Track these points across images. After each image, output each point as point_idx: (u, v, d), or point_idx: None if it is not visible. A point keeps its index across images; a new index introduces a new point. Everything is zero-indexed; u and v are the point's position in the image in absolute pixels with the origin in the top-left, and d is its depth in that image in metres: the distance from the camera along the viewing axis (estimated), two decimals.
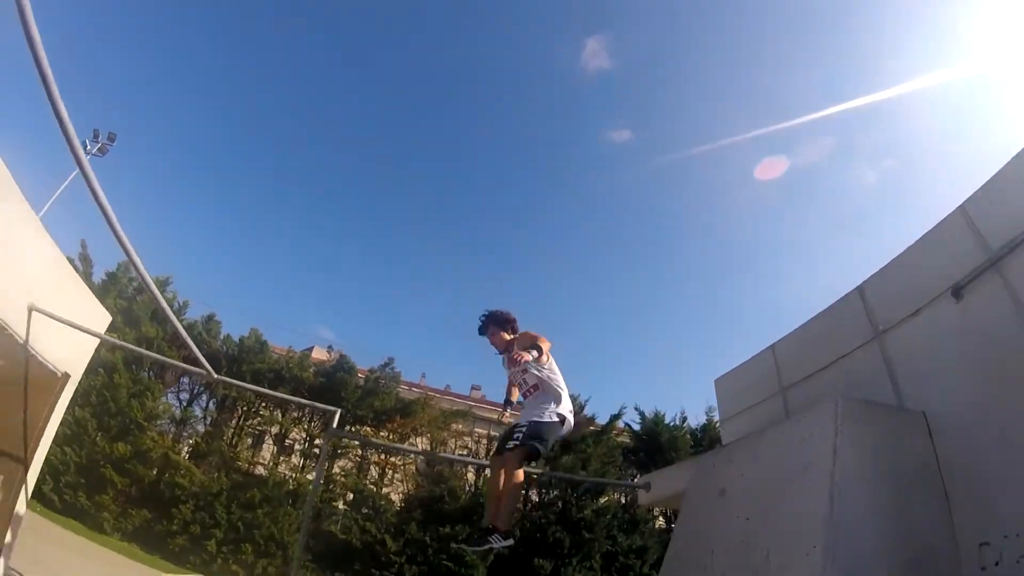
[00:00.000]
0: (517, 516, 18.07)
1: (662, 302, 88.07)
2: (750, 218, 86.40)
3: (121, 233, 3.72)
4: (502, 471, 4.71)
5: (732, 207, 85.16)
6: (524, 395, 5.15)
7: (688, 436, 22.63)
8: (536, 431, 4.69)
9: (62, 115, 2.69)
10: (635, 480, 17.05)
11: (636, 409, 23.19)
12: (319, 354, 25.50)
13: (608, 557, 18.87)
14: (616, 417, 22.62)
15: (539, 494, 21.11)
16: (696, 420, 23.66)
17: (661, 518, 21.80)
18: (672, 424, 22.89)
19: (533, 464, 6.21)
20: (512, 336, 5.16)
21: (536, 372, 4.91)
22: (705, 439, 21.92)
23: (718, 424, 12.96)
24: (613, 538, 19.08)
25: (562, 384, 4.97)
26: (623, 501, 20.92)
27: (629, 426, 23.43)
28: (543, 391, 4.95)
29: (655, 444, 22.02)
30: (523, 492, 4.70)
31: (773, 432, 4.80)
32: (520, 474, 4.77)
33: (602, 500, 20.59)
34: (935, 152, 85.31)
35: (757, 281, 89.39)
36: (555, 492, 20.76)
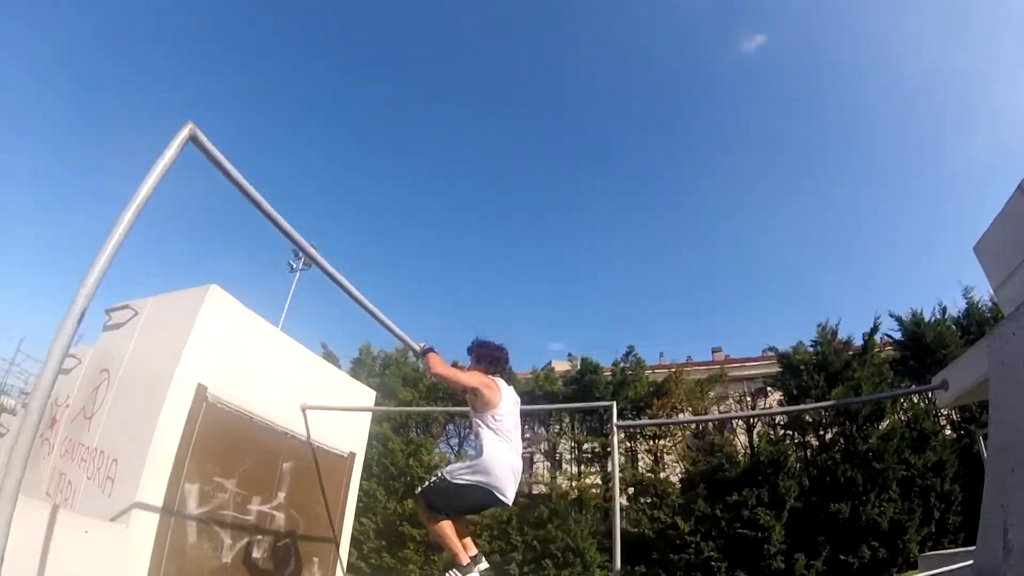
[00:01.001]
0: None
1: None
2: None
3: (386, 319, 4.37)
4: (422, 516, 4.22)
5: None
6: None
7: (954, 328, 19.89)
8: (440, 487, 4.03)
9: (320, 261, 3.26)
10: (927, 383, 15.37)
11: (891, 316, 20.77)
12: (560, 366, 26.21)
13: (904, 483, 17.04)
14: (872, 332, 20.41)
15: (817, 437, 19.88)
16: (955, 308, 20.70)
17: (948, 427, 19.35)
18: (934, 320, 20.18)
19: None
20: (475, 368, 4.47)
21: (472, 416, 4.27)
22: (971, 325, 19.14)
23: (991, 298, 11.06)
24: (905, 461, 17.19)
25: (490, 443, 4.07)
26: (904, 420, 18.89)
27: (889, 337, 21.01)
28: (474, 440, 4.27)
29: (922, 347, 19.50)
30: (451, 531, 3.83)
31: None
32: (435, 521, 4.04)
33: (883, 425, 18.71)
34: None
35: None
36: (834, 430, 19.37)
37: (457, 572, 4.00)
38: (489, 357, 4.45)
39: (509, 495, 4.05)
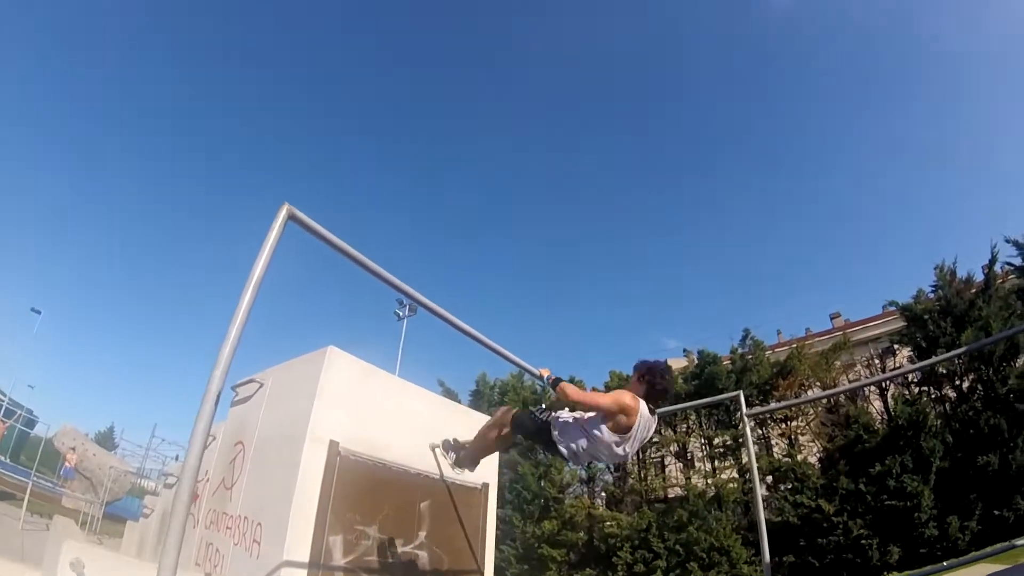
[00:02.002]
0: None
1: None
2: None
3: (496, 346, 4.55)
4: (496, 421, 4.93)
5: None
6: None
7: None
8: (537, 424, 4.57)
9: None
10: None
11: (1008, 242, 18.58)
12: (677, 363, 25.72)
13: None
14: (991, 263, 18.73)
15: (954, 388, 18.48)
16: None
17: None
18: None
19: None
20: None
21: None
22: None
23: None
24: None
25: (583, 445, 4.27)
26: None
27: (1010, 265, 19.05)
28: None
29: None
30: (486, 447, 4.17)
31: None
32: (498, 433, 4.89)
33: (1020, 362, 17.11)
34: None
35: None
36: (971, 377, 17.96)
37: (453, 453, 5.31)
38: (650, 383, 4.27)
39: (575, 450, 4.30)
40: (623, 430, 4.09)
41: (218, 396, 2.78)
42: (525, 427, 4.70)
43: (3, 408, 29.79)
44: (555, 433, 4.36)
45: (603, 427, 4.11)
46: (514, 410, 4.96)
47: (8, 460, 31.88)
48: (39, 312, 40.53)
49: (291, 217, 3.00)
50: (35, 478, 24.69)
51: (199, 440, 2.65)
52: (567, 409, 4.57)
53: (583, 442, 4.23)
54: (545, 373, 4.66)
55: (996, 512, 15.42)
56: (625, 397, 4.10)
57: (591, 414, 4.24)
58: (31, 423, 34.85)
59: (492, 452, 5.06)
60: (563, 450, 4.34)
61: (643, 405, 4.15)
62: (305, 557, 5.14)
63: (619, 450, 4.19)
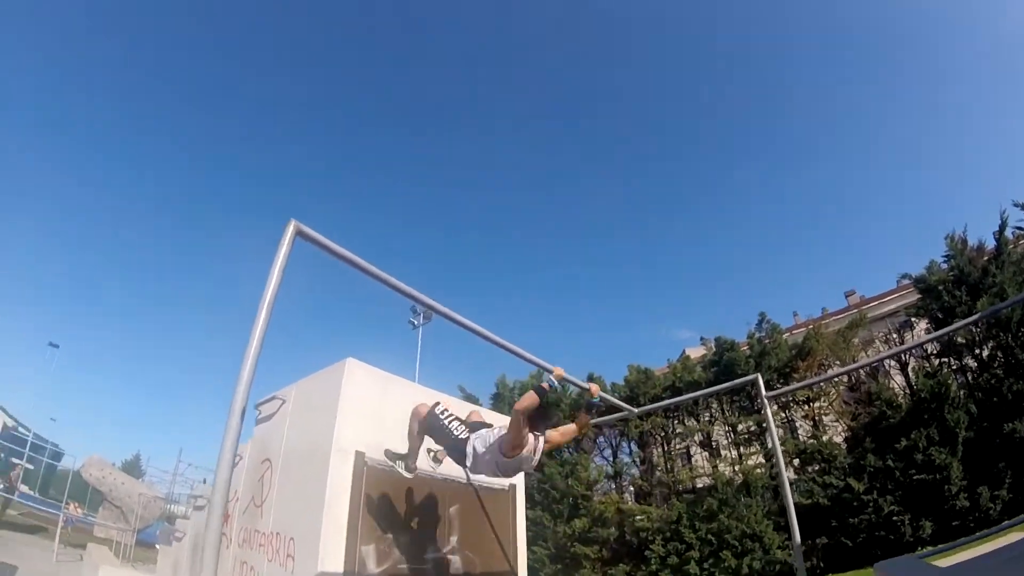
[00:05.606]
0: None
1: None
2: None
3: (513, 346, 4.56)
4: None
5: None
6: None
7: None
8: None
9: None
10: None
11: (1016, 205, 18.25)
12: (695, 352, 25.62)
13: None
14: (1002, 228, 18.42)
15: (975, 357, 18.23)
16: None
17: None
18: None
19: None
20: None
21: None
22: None
23: None
24: None
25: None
26: None
27: (1020, 229, 18.84)
28: None
29: None
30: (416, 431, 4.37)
31: None
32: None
33: None
34: None
35: None
36: (990, 344, 17.73)
37: (401, 461, 5.38)
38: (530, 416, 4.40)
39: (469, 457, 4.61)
40: (515, 453, 4.36)
41: (242, 412, 2.80)
42: (434, 432, 4.96)
43: (28, 443, 30.08)
44: (468, 462, 4.66)
45: (501, 456, 4.44)
46: (429, 407, 5.04)
47: (37, 494, 32.24)
48: (56, 346, 40.91)
49: (298, 233, 3.02)
50: (65, 511, 24.92)
51: (227, 459, 2.68)
52: (481, 438, 4.71)
53: (487, 465, 4.58)
54: (559, 372, 4.71)
55: None
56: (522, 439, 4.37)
57: (494, 444, 4.54)
58: (57, 456, 35.16)
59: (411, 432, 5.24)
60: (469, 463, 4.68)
61: (530, 437, 4.43)
62: (340, 568, 5.18)
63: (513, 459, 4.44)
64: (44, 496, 32.84)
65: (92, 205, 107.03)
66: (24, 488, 28.62)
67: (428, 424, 4.95)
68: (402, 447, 5.51)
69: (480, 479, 6.88)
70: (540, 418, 4.47)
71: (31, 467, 30.30)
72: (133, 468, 56.26)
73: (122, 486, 28.15)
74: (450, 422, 4.83)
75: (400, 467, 5.43)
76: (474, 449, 4.57)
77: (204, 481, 33.54)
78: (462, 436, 4.71)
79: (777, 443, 5.59)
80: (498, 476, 4.77)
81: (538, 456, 4.57)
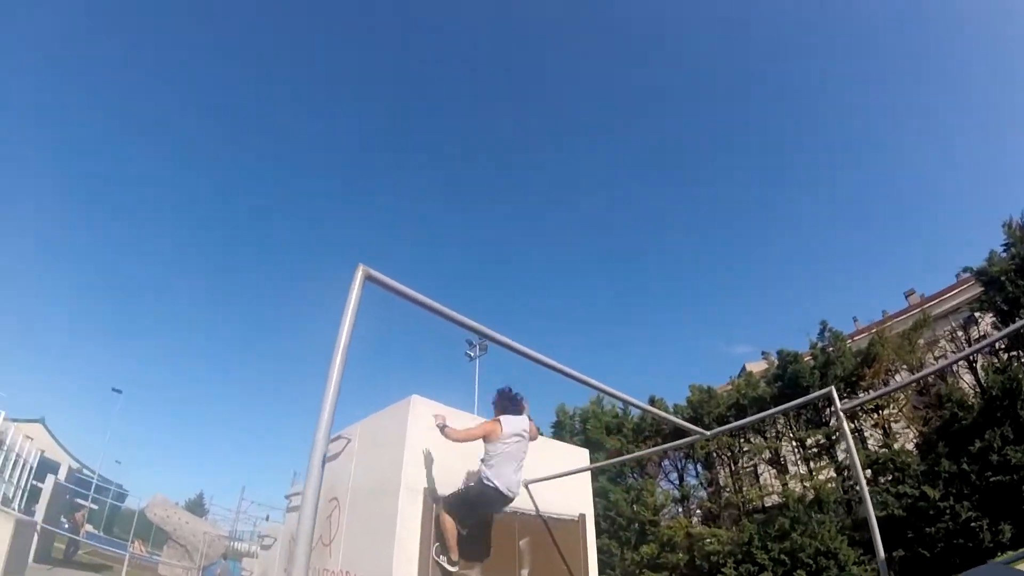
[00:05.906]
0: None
1: None
2: None
3: (574, 372, 4.41)
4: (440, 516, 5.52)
5: None
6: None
7: None
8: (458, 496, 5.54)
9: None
10: None
11: None
12: (756, 367, 25.13)
13: None
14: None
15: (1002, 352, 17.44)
16: None
17: None
18: None
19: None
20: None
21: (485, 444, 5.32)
22: None
23: None
24: None
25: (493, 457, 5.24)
26: None
27: None
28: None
29: None
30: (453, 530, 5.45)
31: None
32: (446, 518, 5.42)
33: None
34: None
35: None
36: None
37: (445, 558, 5.38)
38: (505, 399, 5.52)
39: (504, 489, 5.15)
40: (497, 436, 5.18)
41: (324, 457, 2.76)
42: (465, 503, 5.45)
43: (93, 485, 30.97)
44: (497, 481, 5.15)
45: (488, 448, 5.23)
46: (442, 509, 5.53)
47: (102, 533, 33.03)
48: (120, 391, 42.19)
49: (368, 278, 3.00)
50: (130, 550, 25.39)
51: (311, 499, 2.65)
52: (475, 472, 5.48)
53: (491, 471, 5.16)
54: (439, 421, 5.28)
55: None
56: (487, 424, 5.30)
57: (482, 453, 5.30)
58: (121, 496, 36.12)
59: (457, 539, 5.54)
60: (495, 488, 5.16)
61: (504, 418, 5.29)
62: None
63: (511, 448, 5.25)
64: (109, 535, 33.62)
65: (151, 255, 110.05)
66: (89, 527, 29.32)
67: (454, 509, 5.46)
68: (460, 480, 5.82)
69: (549, 510, 6.75)
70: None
71: (95, 507, 31.10)
72: (196, 507, 57.45)
73: (186, 525, 28.57)
74: (460, 495, 5.50)
75: (444, 562, 5.50)
76: (488, 471, 5.18)
77: (267, 518, 34.00)
78: (470, 484, 5.52)
79: (856, 456, 5.30)
80: (522, 455, 5.40)
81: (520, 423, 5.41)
